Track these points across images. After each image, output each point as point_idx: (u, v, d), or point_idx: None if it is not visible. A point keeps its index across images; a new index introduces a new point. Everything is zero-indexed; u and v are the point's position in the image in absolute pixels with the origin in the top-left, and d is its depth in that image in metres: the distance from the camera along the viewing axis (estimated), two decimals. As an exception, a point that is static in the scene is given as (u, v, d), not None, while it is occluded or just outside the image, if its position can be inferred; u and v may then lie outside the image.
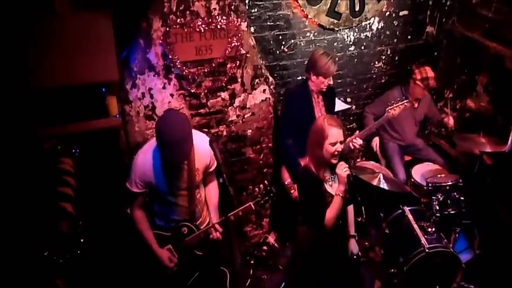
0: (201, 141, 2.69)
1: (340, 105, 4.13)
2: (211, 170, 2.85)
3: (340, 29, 4.11)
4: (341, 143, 2.62)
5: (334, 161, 2.65)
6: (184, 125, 2.48)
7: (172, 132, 2.40)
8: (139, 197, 2.75)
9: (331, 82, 3.43)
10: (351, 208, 3.01)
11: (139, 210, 2.82)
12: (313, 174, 2.72)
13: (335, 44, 4.19)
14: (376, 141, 4.31)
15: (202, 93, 3.39)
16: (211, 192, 3.01)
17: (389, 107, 3.49)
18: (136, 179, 2.66)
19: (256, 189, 2.85)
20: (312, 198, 2.73)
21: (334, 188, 2.75)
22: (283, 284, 3.79)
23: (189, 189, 2.75)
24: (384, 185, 3.67)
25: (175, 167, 2.65)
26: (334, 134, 2.57)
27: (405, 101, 3.49)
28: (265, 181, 2.87)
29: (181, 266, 2.89)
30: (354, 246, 3.06)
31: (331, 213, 2.69)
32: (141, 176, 2.65)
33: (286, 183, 3.65)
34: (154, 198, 2.82)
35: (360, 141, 3.50)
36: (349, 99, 4.57)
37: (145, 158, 2.65)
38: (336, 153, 2.62)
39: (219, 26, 3.17)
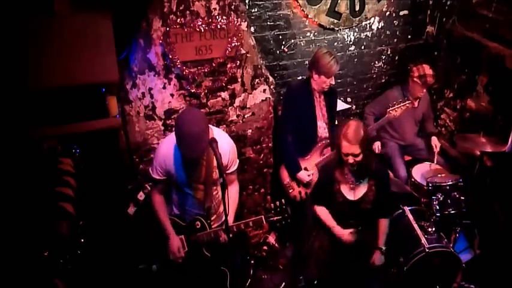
0: (222, 141, 2.72)
1: (340, 105, 4.13)
2: (230, 171, 2.86)
3: (340, 29, 4.11)
4: (353, 155, 2.71)
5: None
6: (201, 122, 2.52)
7: (188, 126, 2.45)
8: (159, 183, 2.83)
9: (333, 82, 3.42)
10: (384, 221, 3.01)
11: (158, 196, 2.90)
12: (329, 172, 2.87)
13: (335, 43, 4.19)
14: (377, 144, 4.30)
15: (203, 93, 3.38)
16: (229, 195, 3.00)
17: (390, 108, 3.48)
18: (157, 166, 2.74)
19: (272, 204, 2.85)
20: (321, 190, 2.93)
21: (353, 192, 2.88)
22: (283, 284, 3.80)
23: (206, 184, 2.79)
24: (384, 185, 3.66)
25: (193, 161, 2.70)
26: (345, 146, 2.70)
27: (407, 101, 3.48)
28: (283, 200, 2.86)
29: (188, 261, 2.91)
30: (377, 258, 3.06)
31: (321, 216, 2.96)
32: (162, 164, 2.72)
33: (284, 183, 3.65)
34: (173, 187, 2.89)
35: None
36: (349, 99, 4.58)
37: (167, 147, 2.71)
38: (349, 162, 2.74)
39: (219, 26, 3.17)
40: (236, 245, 2.98)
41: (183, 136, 2.45)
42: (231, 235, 2.81)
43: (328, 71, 3.30)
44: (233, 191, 3.00)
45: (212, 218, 2.93)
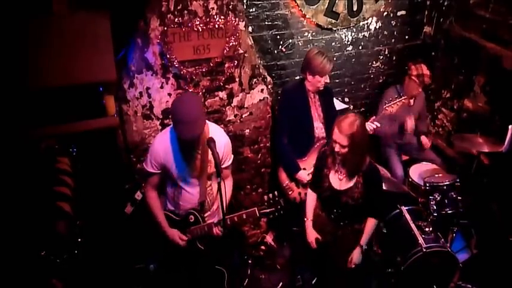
0: (217, 135, 2.73)
1: (338, 105, 4.13)
2: (224, 165, 2.87)
3: (338, 29, 4.11)
4: (340, 145, 2.73)
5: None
6: (196, 102, 2.58)
7: (184, 106, 2.50)
8: (153, 177, 2.83)
9: (328, 80, 3.42)
10: (371, 221, 3.01)
11: (153, 191, 2.90)
12: (324, 156, 2.99)
13: (333, 43, 4.19)
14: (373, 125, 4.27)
15: (200, 93, 3.38)
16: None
17: (386, 105, 3.47)
18: (152, 159, 2.75)
19: (265, 197, 2.85)
20: (316, 172, 3.12)
21: (339, 182, 2.92)
22: (281, 283, 3.80)
23: (200, 178, 2.80)
24: (381, 185, 3.67)
25: (188, 153, 2.71)
26: (335, 133, 2.75)
27: (403, 97, 3.47)
28: (275, 192, 2.86)
29: (182, 255, 2.91)
30: (356, 256, 3.04)
31: (306, 201, 3.19)
32: (156, 156, 2.73)
33: (284, 185, 3.64)
34: (167, 182, 2.89)
35: (374, 125, 3.43)
36: (346, 99, 4.58)
37: (162, 139, 2.73)
38: (335, 150, 2.78)
39: (217, 26, 3.17)
40: (230, 239, 2.96)
41: (180, 116, 2.47)
42: (223, 228, 2.82)
43: (321, 70, 3.30)
44: (227, 186, 3.00)
45: (206, 215, 2.94)
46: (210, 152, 2.70)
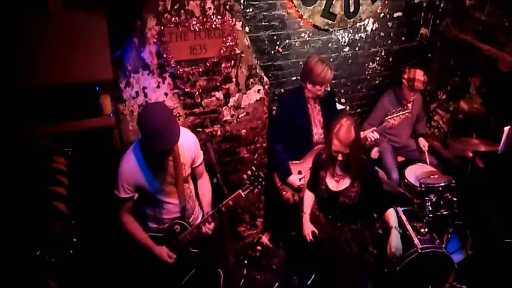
0: (183, 136, 2.67)
1: (334, 106, 4.13)
2: (197, 164, 2.83)
3: (334, 30, 4.12)
4: (342, 154, 2.76)
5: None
6: (166, 111, 2.48)
7: (155, 118, 2.39)
8: (128, 202, 2.74)
9: (328, 88, 3.40)
10: (390, 211, 3.09)
11: (129, 216, 2.81)
12: (320, 158, 3.03)
13: (329, 44, 4.20)
14: (375, 150, 4.30)
15: (197, 93, 3.38)
16: (202, 188, 3.01)
17: (389, 117, 3.46)
18: (124, 184, 2.64)
19: (244, 176, 2.81)
20: (313, 173, 3.17)
21: (336, 183, 2.95)
22: (277, 284, 3.80)
23: (177, 184, 2.72)
24: (377, 186, 3.67)
25: (159, 163, 2.63)
26: (335, 144, 2.77)
27: (406, 111, 3.46)
28: (253, 167, 2.83)
29: (177, 264, 2.87)
30: (394, 238, 3.04)
31: (304, 199, 3.23)
32: (128, 179, 2.63)
33: (278, 185, 3.64)
34: (145, 201, 2.79)
35: (377, 135, 3.43)
36: (343, 100, 4.59)
37: (128, 160, 2.63)
38: (338, 159, 2.80)
39: (213, 26, 3.16)
40: (225, 236, 2.93)
41: (152, 128, 2.37)
42: (213, 224, 2.83)
43: (323, 79, 3.26)
44: (205, 183, 3.00)
45: (191, 220, 2.89)
46: (181, 155, 2.66)
